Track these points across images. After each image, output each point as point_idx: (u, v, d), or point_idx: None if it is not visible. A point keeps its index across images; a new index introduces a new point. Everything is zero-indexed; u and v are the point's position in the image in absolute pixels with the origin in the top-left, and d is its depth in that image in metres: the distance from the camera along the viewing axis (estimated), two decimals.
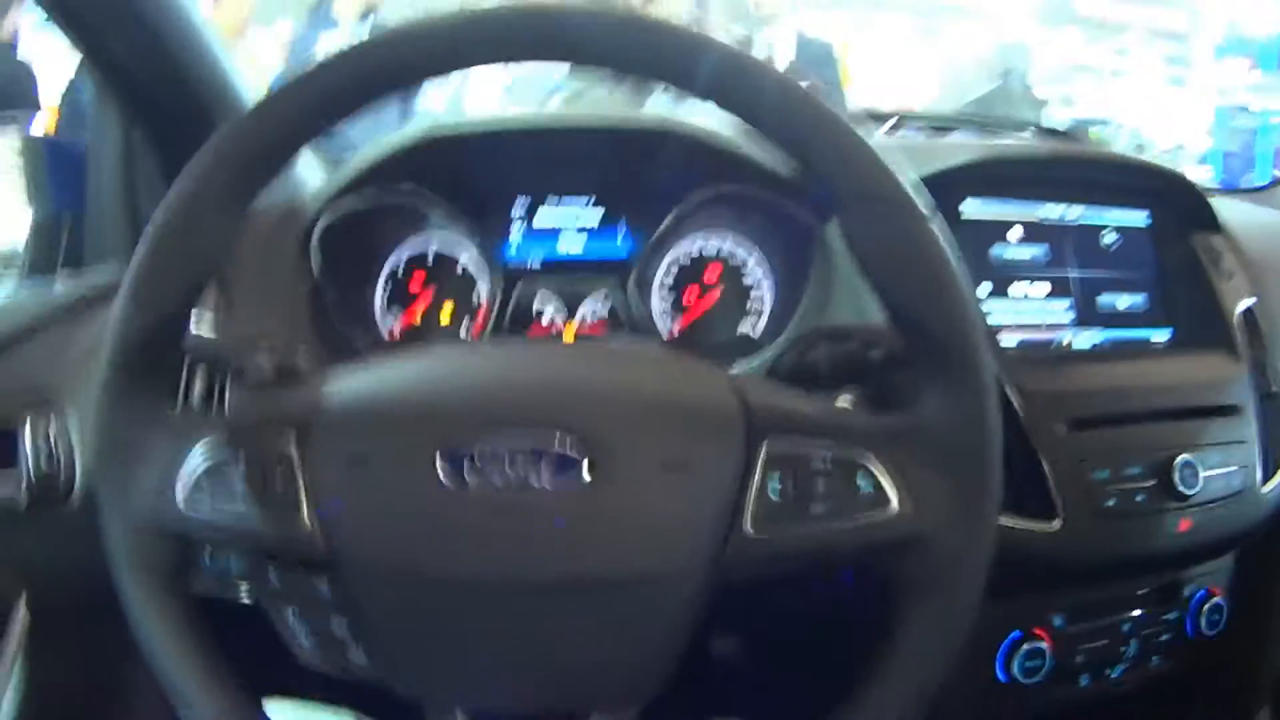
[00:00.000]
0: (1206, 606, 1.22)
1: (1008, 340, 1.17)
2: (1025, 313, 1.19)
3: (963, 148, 1.25)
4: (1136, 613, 1.18)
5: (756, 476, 0.68)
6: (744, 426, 0.69)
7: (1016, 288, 1.19)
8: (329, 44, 4.27)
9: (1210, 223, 1.30)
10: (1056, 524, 1.05)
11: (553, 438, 0.66)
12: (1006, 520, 1.03)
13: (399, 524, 0.67)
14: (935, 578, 0.70)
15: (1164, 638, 1.21)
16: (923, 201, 0.69)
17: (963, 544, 0.70)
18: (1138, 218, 1.29)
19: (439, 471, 0.66)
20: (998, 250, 1.19)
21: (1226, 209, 1.36)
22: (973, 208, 1.19)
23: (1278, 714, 1.37)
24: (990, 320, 1.16)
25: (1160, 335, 1.27)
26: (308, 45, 4.41)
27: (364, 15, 4.56)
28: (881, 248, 0.69)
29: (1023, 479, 1.05)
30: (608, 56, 0.69)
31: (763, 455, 0.68)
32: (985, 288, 1.17)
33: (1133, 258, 1.27)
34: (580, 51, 0.69)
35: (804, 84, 0.70)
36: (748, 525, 0.67)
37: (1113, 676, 1.19)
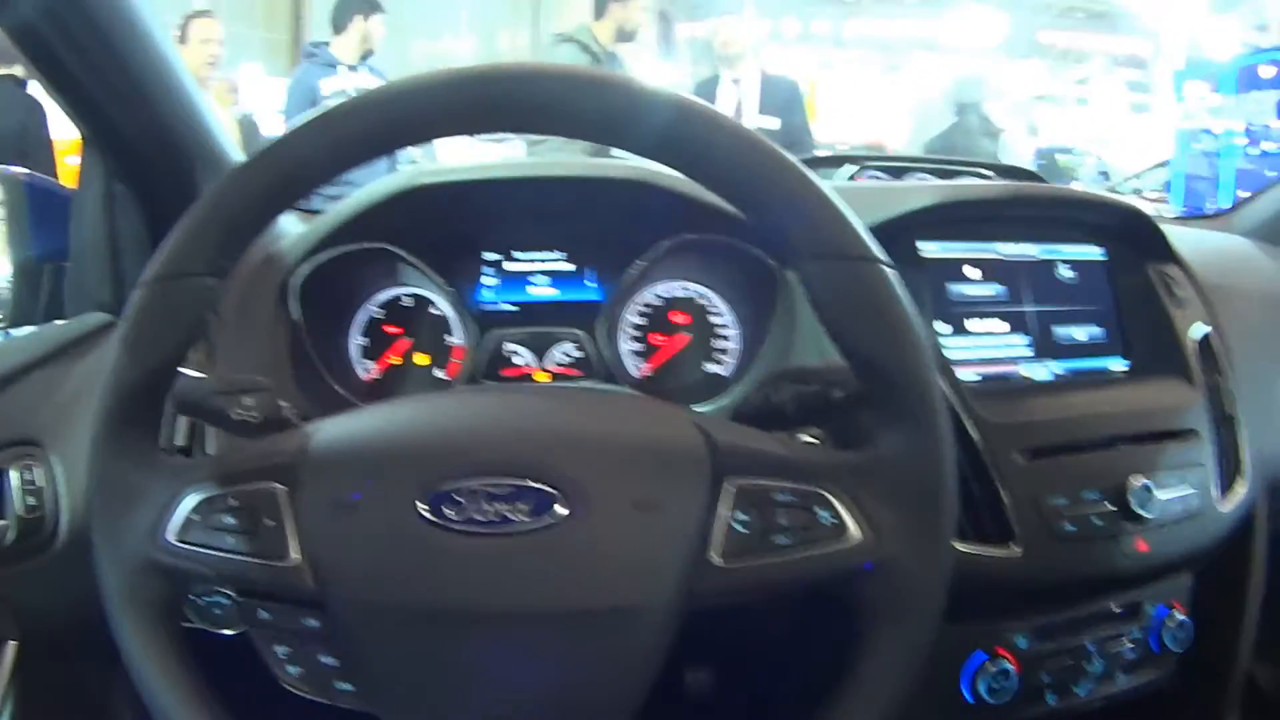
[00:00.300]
0: (1170, 623, 1.24)
1: (968, 375, 1.20)
2: (984, 347, 1.23)
3: (921, 190, 1.29)
4: (1101, 632, 1.21)
5: (723, 512, 0.71)
6: (710, 466, 0.72)
7: (975, 323, 1.23)
8: (330, 87, 4.34)
9: (1164, 254, 1.34)
10: (1017, 549, 1.08)
11: (530, 480, 0.69)
12: (968, 547, 1.07)
13: (384, 562, 0.70)
14: (894, 604, 0.73)
15: (1129, 655, 1.23)
16: (878, 249, 0.72)
17: (920, 570, 0.73)
18: (1093, 251, 1.33)
19: (421, 513, 0.69)
20: (956, 288, 1.23)
21: (1182, 238, 1.39)
22: (931, 248, 1.22)
23: None
24: (949, 356, 1.19)
25: (1117, 365, 1.30)
26: (309, 88, 4.46)
27: (362, 58, 4.63)
28: (837, 296, 0.72)
29: (983, 507, 1.09)
30: (564, 124, 0.72)
31: (728, 492, 0.72)
32: (945, 325, 1.21)
33: (1089, 290, 1.31)
34: (541, 121, 0.72)
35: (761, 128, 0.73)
36: (715, 558, 0.71)
37: (1080, 695, 1.21)
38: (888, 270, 0.72)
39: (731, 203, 0.74)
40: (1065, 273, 1.30)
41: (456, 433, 0.75)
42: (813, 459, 0.76)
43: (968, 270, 1.24)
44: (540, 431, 0.74)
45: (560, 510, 0.69)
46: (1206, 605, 1.29)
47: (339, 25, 4.70)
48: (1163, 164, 7.20)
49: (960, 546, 1.05)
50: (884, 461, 0.74)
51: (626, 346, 1.25)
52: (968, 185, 1.44)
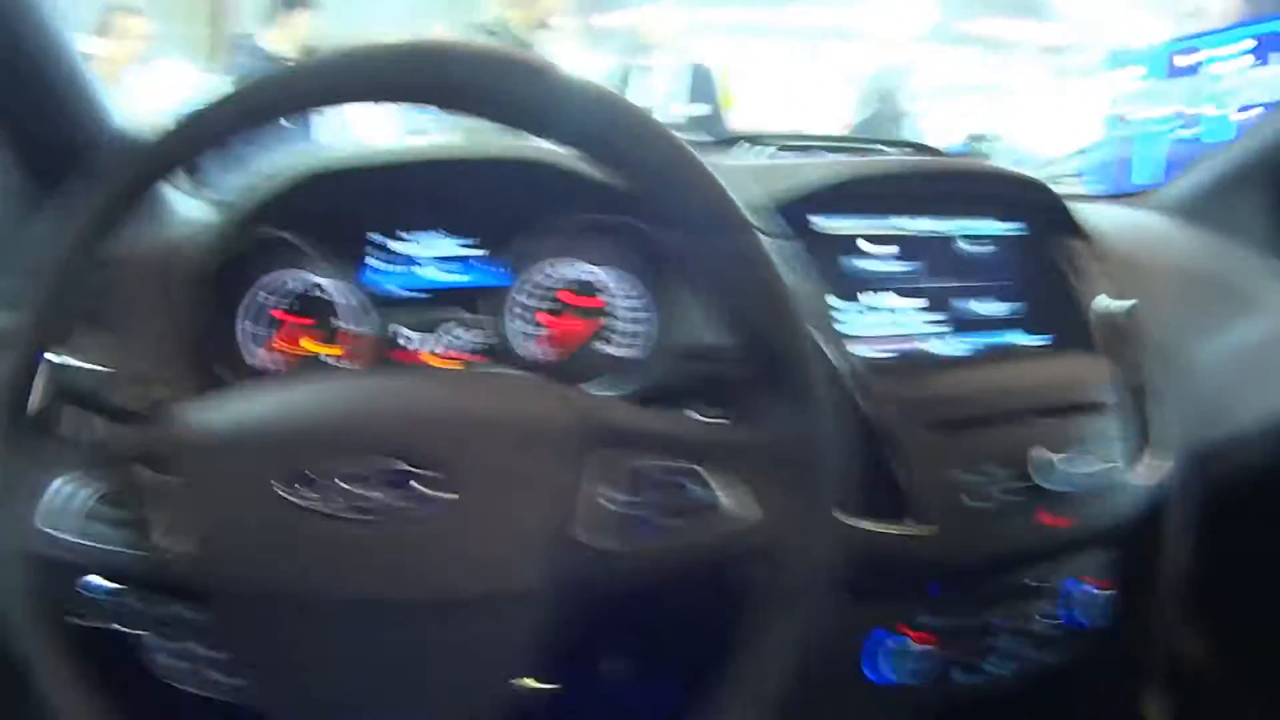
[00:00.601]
0: (1086, 598, 1.24)
1: (873, 350, 1.20)
2: (892, 323, 1.22)
3: (818, 165, 1.28)
4: (1013, 608, 1.21)
5: (596, 491, 0.71)
6: (579, 442, 0.72)
7: (882, 299, 1.22)
8: None
9: (1074, 229, 1.34)
10: (920, 526, 1.07)
11: (394, 460, 0.69)
12: (872, 524, 1.05)
13: (251, 547, 0.70)
14: (776, 583, 0.73)
15: (1044, 631, 1.23)
16: (754, 220, 0.71)
17: (802, 548, 0.73)
18: (1004, 227, 1.32)
19: (288, 496, 0.68)
20: (862, 263, 1.22)
21: (1097, 214, 1.40)
22: (830, 223, 1.21)
23: (1166, 703, 1.40)
24: (854, 331, 1.19)
25: (1029, 339, 1.30)
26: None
27: (296, 51, 4.63)
28: (716, 269, 0.72)
29: (887, 483, 1.07)
30: (455, 99, 0.72)
31: (602, 470, 0.71)
32: (847, 301, 1.20)
33: (1000, 265, 1.31)
34: (440, 95, 0.72)
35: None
36: (588, 537, 0.70)
37: (994, 672, 1.21)
38: (763, 242, 0.72)
39: (616, 177, 0.74)
40: (976, 248, 1.30)
41: (327, 415, 0.74)
42: (694, 436, 0.76)
43: (871, 246, 1.23)
44: (404, 410, 0.74)
45: (423, 490, 0.69)
46: (1125, 579, 1.29)
47: (274, 19, 4.68)
48: (1089, 149, 7.26)
49: (863, 524, 1.04)
50: (762, 436, 0.74)
51: (529, 330, 1.23)
52: (866, 160, 1.42)
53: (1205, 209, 1.64)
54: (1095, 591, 1.25)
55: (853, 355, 1.14)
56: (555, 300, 1.23)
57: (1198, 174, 1.70)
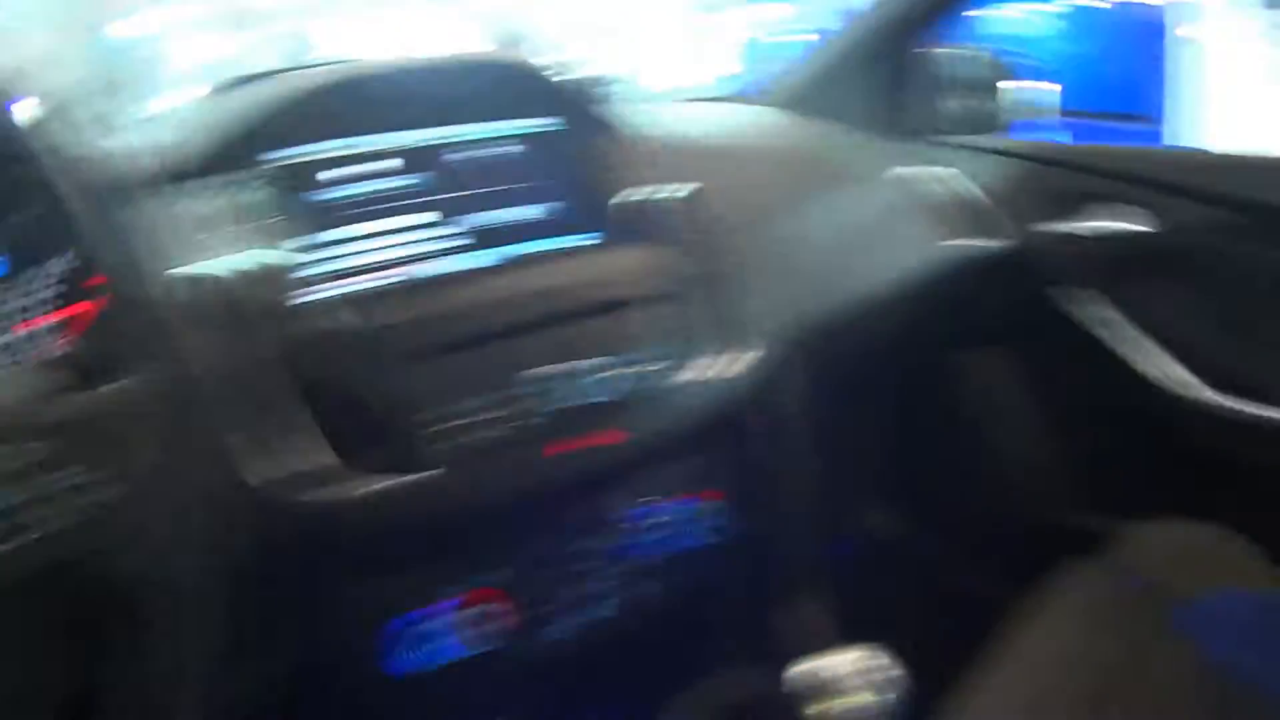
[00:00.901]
0: (688, 515, 1.15)
1: (369, 280, 1.03)
2: (391, 247, 1.06)
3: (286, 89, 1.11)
4: (593, 542, 1.10)
5: None
6: None
7: (378, 223, 1.06)
8: None
9: (607, 123, 1.23)
10: (425, 473, 0.92)
11: None
12: (363, 483, 0.89)
13: None
14: (161, 569, 0.65)
15: (644, 560, 1.13)
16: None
17: (175, 526, 0.64)
18: (536, 125, 1.18)
19: None
20: (343, 190, 1.05)
21: (686, 111, 1.44)
22: (298, 151, 1.04)
23: (811, 610, 1.31)
24: (337, 264, 1.02)
25: (568, 240, 1.17)
26: None
27: None
28: None
29: (380, 428, 0.92)
30: None
31: None
32: (328, 231, 1.03)
33: (528, 167, 1.17)
34: None
35: None
36: None
37: (600, 616, 1.11)
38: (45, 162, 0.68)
39: None
40: (496, 151, 1.15)
41: None
42: (36, 415, 0.67)
43: (352, 168, 1.06)
44: None
45: None
46: (734, 486, 1.20)
47: None
48: (728, 78, 7.47)
49: (356, 482, 0.88)
50: (103, 405, 0.67)
51: (29, 324, 1.01)
52: (333, 69, 1.22)
53: (811, 99, 1.65)
54: (699, 505, 1.16)
55: (326, 291, 0.99)
56: (71, 282, 1.01)
57: (801, 68, 1.70)
